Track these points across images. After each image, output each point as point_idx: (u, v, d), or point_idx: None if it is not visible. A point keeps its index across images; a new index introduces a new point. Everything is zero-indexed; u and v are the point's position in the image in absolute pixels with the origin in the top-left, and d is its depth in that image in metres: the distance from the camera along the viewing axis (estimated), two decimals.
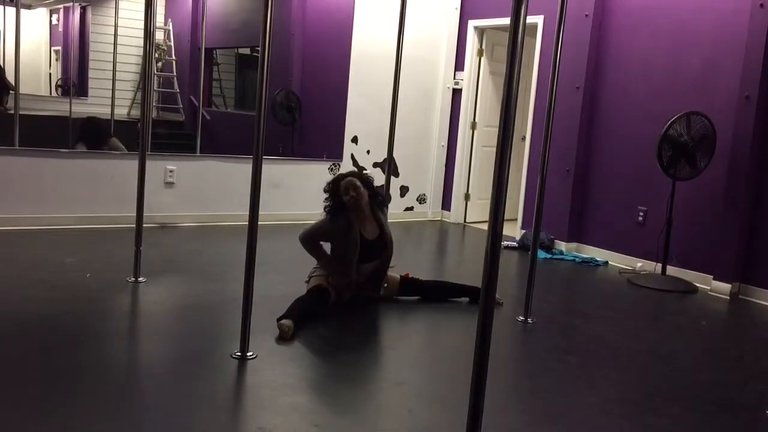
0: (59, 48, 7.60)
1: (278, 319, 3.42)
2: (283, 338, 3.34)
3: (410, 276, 4.24)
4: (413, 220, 7.27)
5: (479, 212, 7.35)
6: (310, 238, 3.99)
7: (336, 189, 3.99)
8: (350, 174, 4.09)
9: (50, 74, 7.65)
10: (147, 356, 3.19)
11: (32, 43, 7.27)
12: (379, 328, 3.93)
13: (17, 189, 5.31)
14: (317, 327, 3.54)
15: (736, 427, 2.87)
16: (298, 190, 6.58)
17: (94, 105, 6.85)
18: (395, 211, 6.84)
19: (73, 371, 2.82)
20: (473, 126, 7.26)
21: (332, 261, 3.96)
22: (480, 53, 7.16)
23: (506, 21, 1.94)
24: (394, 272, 4.19)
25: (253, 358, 3.05)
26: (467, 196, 7.38)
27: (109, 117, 6.86)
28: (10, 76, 5.85)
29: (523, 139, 6.75)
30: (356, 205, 3.95)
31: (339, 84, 6.81)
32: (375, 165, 6.97)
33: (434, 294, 4.27)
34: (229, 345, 3.11)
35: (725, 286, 4.98)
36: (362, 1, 6.74)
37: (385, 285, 4.11)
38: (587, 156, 6.10)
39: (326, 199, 4.04)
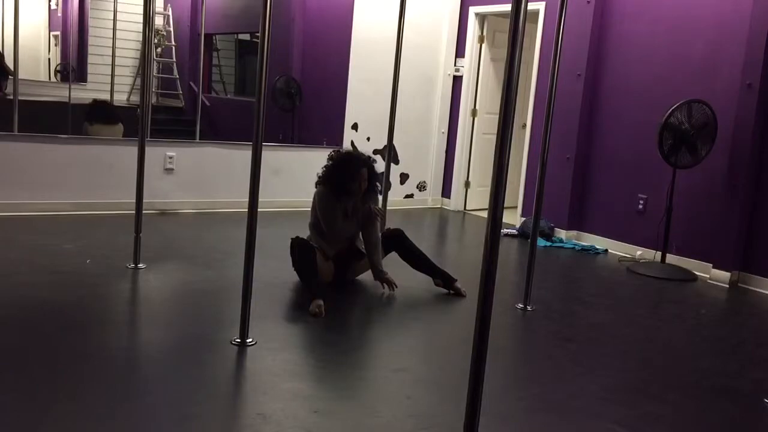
0: (58, 33, 7.58)
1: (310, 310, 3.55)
2: (317, 317, 3.49)
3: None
4: (413, 208, 7.27)
5: (479, 200, 7.35)
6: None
7: (350, 169, 3.97)
8: (367, 159, 4.07)
9: (49, 59, 7.64)
10: (146, 342, 3.20)
11: (31, 28, 7.25)
12: (378, 315, 3.94)
13: (16, 175, 5.29)
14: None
15: (735, 415, 2.88)
16: (297, 177, 6.57)
17: (94, 90, 6.84)
18: (395, 198, 6.83)
19: (73, 357, 2.83)
20: (474, 113, 7.24)
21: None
22: (481, 40, 7.12)
23: (507, 7, 1.93)
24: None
25: (252, 345, 3.06)
26: (467, 184, 7.37)
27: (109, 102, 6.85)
28: (9, 61, 5.83)
29: (524, 126, 6.74)
30: (356, 195, 4.00)
31: (339, 70, 6.79)
32: (375, 152, 6.94)
33: (412, 258, 4.23)
34: (229, 331, 3.12)
35: (725, 275, 4.99)
36: None
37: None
38: (588, 144, 6.09)
39: (330, 169, 4.02)
